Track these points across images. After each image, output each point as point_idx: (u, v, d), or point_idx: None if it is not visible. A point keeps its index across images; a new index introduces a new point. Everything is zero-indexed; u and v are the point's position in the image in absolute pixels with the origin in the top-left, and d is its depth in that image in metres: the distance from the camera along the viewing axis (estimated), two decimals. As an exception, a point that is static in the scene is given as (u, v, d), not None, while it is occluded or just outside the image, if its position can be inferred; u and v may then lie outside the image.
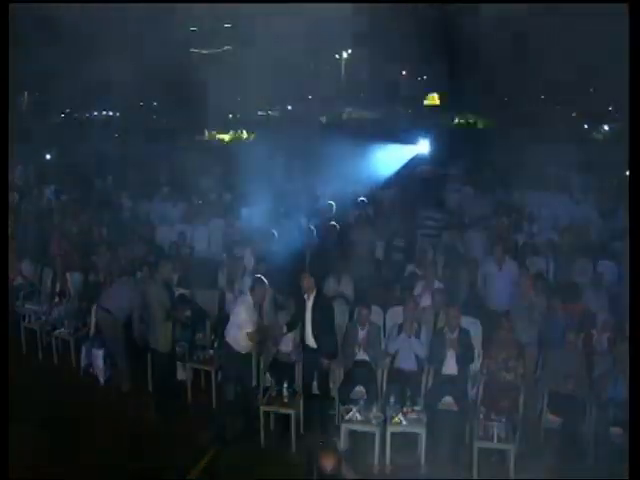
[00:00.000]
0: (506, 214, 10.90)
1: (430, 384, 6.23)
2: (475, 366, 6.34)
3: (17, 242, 9.34)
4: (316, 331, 6.16)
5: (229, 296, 7.51)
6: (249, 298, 6.25)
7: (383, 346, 6.55)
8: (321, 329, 6.16)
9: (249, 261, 8.09)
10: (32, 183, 15.14)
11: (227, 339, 6.26)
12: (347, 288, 7.64)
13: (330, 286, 7.65)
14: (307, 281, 6.22)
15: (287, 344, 6.43)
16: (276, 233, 8.54)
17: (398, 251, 8.83)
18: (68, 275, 8.37)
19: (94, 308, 7.49)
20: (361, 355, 6.35)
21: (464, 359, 6.18)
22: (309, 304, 6.17)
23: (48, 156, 19.80)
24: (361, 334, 6.39)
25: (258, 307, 6.34)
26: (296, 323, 6.31)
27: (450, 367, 6.20)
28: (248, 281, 6.92)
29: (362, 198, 11.09)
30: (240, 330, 6.13)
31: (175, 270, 7.59)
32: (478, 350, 6.47)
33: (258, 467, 5.74)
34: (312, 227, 8.96)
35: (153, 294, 6.55)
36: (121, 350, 7.16)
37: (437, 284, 7.57)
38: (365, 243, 8.41)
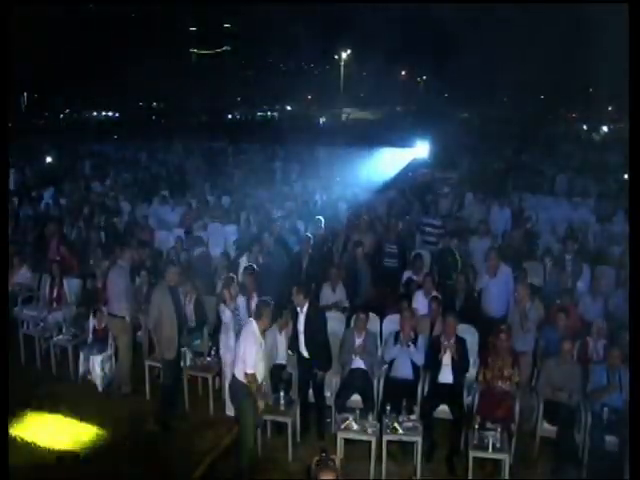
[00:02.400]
0: (504, 219, 10.92)
1: (426, 392, 6.24)
2: (471, 374, 6.36)
3: (15, 247, 9.37)
4: (308, 343, 6.14)
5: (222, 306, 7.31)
6: (254, 327, 5.52)
7: (380, 353, 6.56)
8: (313, 341, 6.14)
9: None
10: (32, 186, 15.15)
11: (235, 373, 5.57)
12: (343, 296, 7.64)
13: (325, 294, 7.66)
14: (298, 295, 6.13)
15: (282, 354, 6.41)
16: (273, 239, 8.52)
17: (394, 257, 8.81)
18: (65, 281, 8.37)
19: (97, 313, 7.49)
20: (357, 363, 6.35)
21: (460, 367, 6.20)
22: (301, 316, 6.17)
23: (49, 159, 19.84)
24: (358, 341, 6.38)
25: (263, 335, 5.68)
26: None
27: (446, 375, 6.22)
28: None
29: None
30: (247, 365, 5.43)
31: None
32: (474, 358, 6.50)
33: (255, 475, 5.75)
34: (309, 234, 8.94)
35: (160, 299, 6.44)
36: (126, 352, 7.16)
37: (434, 292, 7.62)
38: (361, 250, 8.37)
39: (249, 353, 5.37)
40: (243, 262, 8.01)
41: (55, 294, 8.31)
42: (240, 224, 11.25)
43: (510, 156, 22.34)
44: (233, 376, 5.58)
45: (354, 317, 6.69)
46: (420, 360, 6.30)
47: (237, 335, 6.02)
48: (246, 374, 5.41)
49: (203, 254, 9.01)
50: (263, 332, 5.59)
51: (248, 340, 5.42)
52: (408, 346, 6.27)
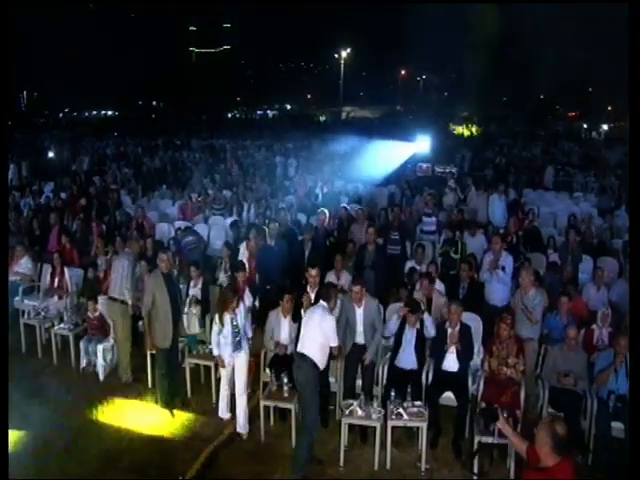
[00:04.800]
0: (502, 208, 10.99)
1: (430, 380, 6.19)
2: (475, 362, 6.31)
3: (16, 238, 9.35)
4: None
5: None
6: (326, 306, 5.55)
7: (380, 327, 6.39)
8: None
9: (243, 256, 8.08)
10: (32, 180, 15.17)
11: (309, 353, 5.44)
12: (347, 284, 7.59)
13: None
14: (315, 275, 6.14)
15: (286, 338, 6.35)
16: (276, 229, 8.47)
17: (397, 244, 8.80)
18: (67, 270, 8.33)
19: (100, 299, 7.47)
20: (359, 338, 6.21)
21: (464, 356, 6.14)
22: (312, 297, 6.11)
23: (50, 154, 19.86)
24: (358, 312, 6.22)
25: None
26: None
27: (450, 363, 6.15)
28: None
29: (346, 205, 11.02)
30: (332, 339, 5.47)
31: (175, 265, 7.62)
32: (478, 346, 6.45)
33: (258, 461, 5.70)
34: (312, 223, 8.93)
35: (153, 286, 6.36)
36: (126, 338, 7.12)
37: (437, 281, 7.61)
38: (373, 230, 8.30)
39: (332, 328, 5.43)
40: (242, 248, 8.02)
41: (56, 284, 8.28)
42: (241, 216, 11.26)
43: (511, 153, 22.43)
44: (303, 358, 5.42)
45: (351, 287, 6.39)
46: (423, 348, 6.24)
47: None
48: (331, 347, 5.46)
49: (191, 243, 8.98)
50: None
51: (326, 319, 5.43)
52: (413, 333, 6.21)
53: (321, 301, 5.62)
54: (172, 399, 6.58)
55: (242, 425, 6.08)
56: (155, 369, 6.91)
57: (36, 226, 10.32)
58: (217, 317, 6.06)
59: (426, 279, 7.06)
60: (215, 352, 6.16)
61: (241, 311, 6.12)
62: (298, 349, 5.55)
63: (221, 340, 6.04)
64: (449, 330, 6.21)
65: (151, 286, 6.39)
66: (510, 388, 5.87)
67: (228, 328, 5.99)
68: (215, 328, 6.10)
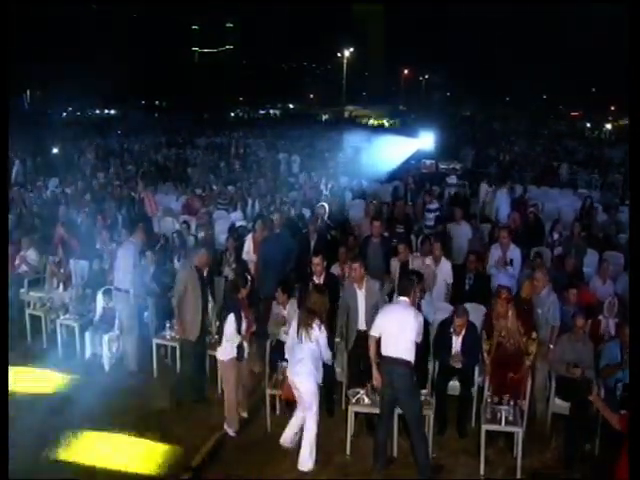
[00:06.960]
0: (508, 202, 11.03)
1: (437, 372, 6.14)
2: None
3: (22, 231, 9.39)
4: None
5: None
6: (407, 301, 5.28)
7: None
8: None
9: (248, 247, 8.10)
10: (36, 177, 15.24)
11: (405, 356, 5.15)
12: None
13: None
14: (318, 263, 6.13)
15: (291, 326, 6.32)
16: (280, 219, 8.47)
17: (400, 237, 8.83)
18: (72, 262, 8.35)
19: (100, 293, 7.47)
20: (361, 325, 5.96)
21: (470, 355, 6.01)
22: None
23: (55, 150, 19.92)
24: (360, 295, 5.99)
25: None
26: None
27: (455, 359, 6.02)
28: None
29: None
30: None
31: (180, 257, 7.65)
32: (483, 339, 6.40)
33: (264, 450, 5.68)
34: (317, 214, 8.94)
35: (186, 277, 6.36)
36: (131, 327, 7.12)
37: (443, 259, 7.60)
38: (379, 224, 8.29)
39: (422, 326, 5.26)
40: (248, 240, 8.03)
41: (61, 275, 8.28)
42: (246, 211, 11.29)
43: (514, 150, 22.50)
44: (403, 364, 5.13)
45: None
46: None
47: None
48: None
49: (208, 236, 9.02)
50: None
51: (419, 318, 5.23)
52: None
53: (401, 297, 5.30)
54: (190, 391, 6.57)
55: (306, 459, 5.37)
56: (160, 359, 6.99)
57: (41, 220, 10.33)
58: (299, 330, 5.39)
59: (402, 244, 7.07)
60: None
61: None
62: (391, 354, 5.16)
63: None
64: (453, 338, 6.01)
65: (184, 277, 6.42)
66: (516, 366, 5.71)
67: (310, 346, 5.35)
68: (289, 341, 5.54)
